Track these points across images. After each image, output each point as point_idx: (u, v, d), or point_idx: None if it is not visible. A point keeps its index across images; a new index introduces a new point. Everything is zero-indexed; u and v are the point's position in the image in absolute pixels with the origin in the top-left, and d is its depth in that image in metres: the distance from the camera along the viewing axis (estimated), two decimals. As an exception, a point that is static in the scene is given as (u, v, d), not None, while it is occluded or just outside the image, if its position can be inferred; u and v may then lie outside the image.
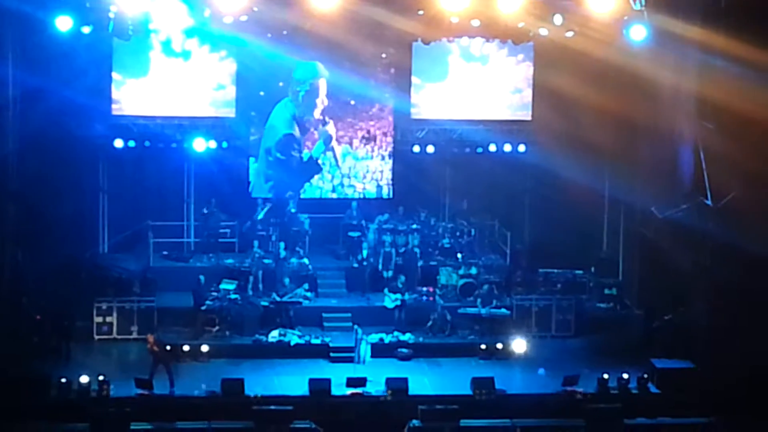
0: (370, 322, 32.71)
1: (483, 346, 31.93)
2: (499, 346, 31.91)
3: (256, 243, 35.18)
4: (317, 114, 36.25)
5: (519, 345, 31.88)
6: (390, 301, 33.21)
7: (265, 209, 35.98)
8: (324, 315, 33.44)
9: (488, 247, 37.48)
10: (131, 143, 35.38)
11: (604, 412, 28.65)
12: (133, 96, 35.22)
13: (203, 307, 32.28)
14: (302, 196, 36.71)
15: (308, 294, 33.88)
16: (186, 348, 31.10)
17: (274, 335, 32.17)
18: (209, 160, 36.01)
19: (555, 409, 28.84)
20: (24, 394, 27.74)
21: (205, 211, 36.27)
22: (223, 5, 29.78)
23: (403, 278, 33.70)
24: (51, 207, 32.13)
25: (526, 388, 29.69)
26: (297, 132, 36.30)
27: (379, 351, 31.51)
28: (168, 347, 30.01)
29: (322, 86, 36.02)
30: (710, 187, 30.48)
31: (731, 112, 29.12)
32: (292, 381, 29.57)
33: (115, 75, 35.00)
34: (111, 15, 29.79)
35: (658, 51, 31.62)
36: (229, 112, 35.83)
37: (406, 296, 33.37)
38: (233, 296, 32.80)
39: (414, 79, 36.50)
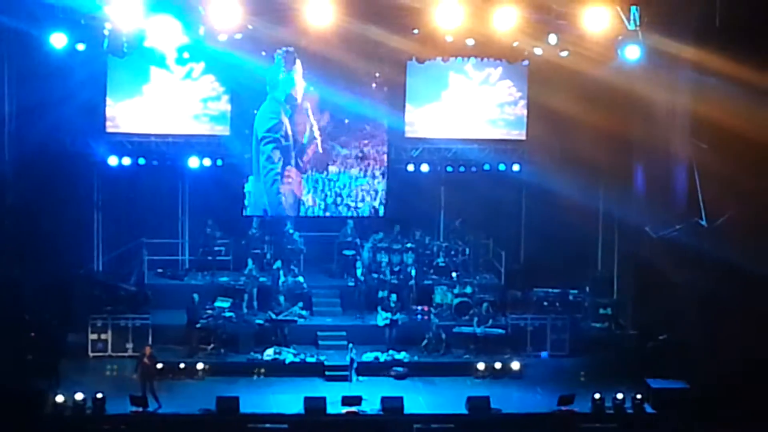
0: (365, 340, 32.75)
1: (481, 366, 31.91)
2: (498, 365, 31.94)
3: (250, 261, 35.15)
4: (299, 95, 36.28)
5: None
6: (381, 319, 33.20)
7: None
8: (319, 333, 33.41)
9: (483, 266, 37.47)
10: (126, 161, 35.31)
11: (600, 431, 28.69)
12: (128, 113, 35.14)
13: (198, 325, 32.24)
14: (299, 213, 36.72)
15: (303, 312, 33.87)
16: (181, 366, 31.04)
17: (269, 353, 32.12)
18: (204, 177, 36.02)
19: (550, 429, 28.89)
20: (18, 411, 27.65)
21: (208, 231, 36.32)
22: (218, 23, 29.78)
23: (394, 297, 33.66)
24: (46, 224, 32.04)
25: (522, 408, 29.63)
26: (283, 116, 36.24)
27: (374, 370, 31.54)
28: (159, 365, 29.89)
29: (298, 67, 35.85)
30: (705, 206, 30.54)
31: (725, 131, 29.22)
32: (287, 399, 29.50)
33: (109, 92, 34.89)
34: (106, 32, 29.86)
35: (653, 70, 31.75)
36: (224, 130, 35.76)
37: (398, 315, 33.34)
38: (228, 314, 32.73)
39: (408, 98, 36.48)
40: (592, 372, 31.88)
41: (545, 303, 34.95)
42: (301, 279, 35.12)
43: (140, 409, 28.32)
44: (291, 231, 36.49)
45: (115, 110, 35.04)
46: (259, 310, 34.01)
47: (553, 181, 34.82)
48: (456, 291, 34.86)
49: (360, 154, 36.90)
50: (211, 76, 35.43)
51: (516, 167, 36.78)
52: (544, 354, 32.39)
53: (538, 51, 32.29)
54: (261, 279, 34.71)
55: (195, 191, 36.83)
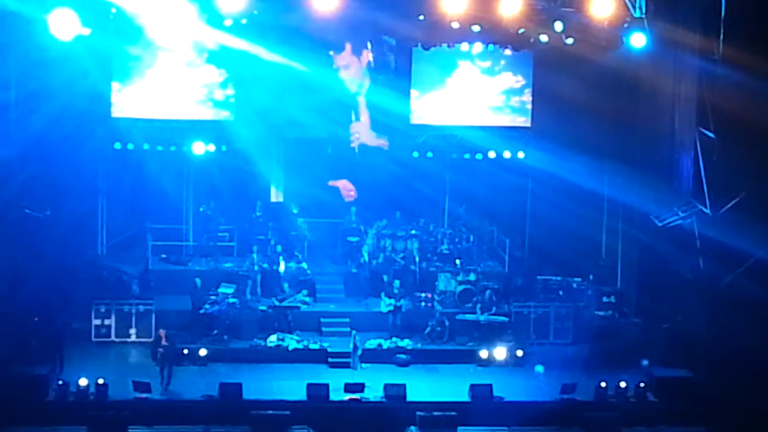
0: (369, 327, 32.76)
1: (484, 353, 31.88)
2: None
3: (255, 247, 35.12)
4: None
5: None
6: (384, 305, 33.17)
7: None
8: (322, 320, 33.43)
9: (487, 253, 37.51)
10: (130, 146, 35.30)
11: (602, 420, 28.69)
12: (133, 99, 35.08)
13: (201, 311, 32.24)
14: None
15: (307, 299, 33.83)
16: (185, 351, 31.06)
17: (272, 340, 32.14)
18: (208, 163, 35.98)
19: (553, 417, 28.85)
20: (22, 396, 27.77)
21: (201, 209, 36.30)
22: (224, 7, 29.76)
23: (398, 283, 33.62)
24: (51, 209, 32.02)
25: (524, 396, 29.66)
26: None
27: (378, 356, 31.55)
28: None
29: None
30: (709, 194, 30.51)
31: (730, 118, 29.29)
32: (289, 386, 29.53)
33: (115, 77, 34.88)
34: (111, 17, 29.81)
35: (658, 58, 31.69)
36: (229, 116, 35.74)
37: (402, 302, 33.31)
38: (232, 300, 32.73)
39: (414, 84, 36.39)
40: (595, 360, 31.78)
41: (549, 291, 34.89)
42: (304, 265, 35.12)
43: (143, 395, 28.37)
44: (295, 212, 36.55)
45: (120, 95, 35.00)
46: (262, 296, 34.04)
47: (557, 169, 34.75)
48: (459, 278, 34.79)
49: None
50: (216, 62, 35.35)
51: (521, 154, 36.75)
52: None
53: (543, 38, 32.12)
54: (265, 265, 34.68)
55: (199, 176, 36.80)
